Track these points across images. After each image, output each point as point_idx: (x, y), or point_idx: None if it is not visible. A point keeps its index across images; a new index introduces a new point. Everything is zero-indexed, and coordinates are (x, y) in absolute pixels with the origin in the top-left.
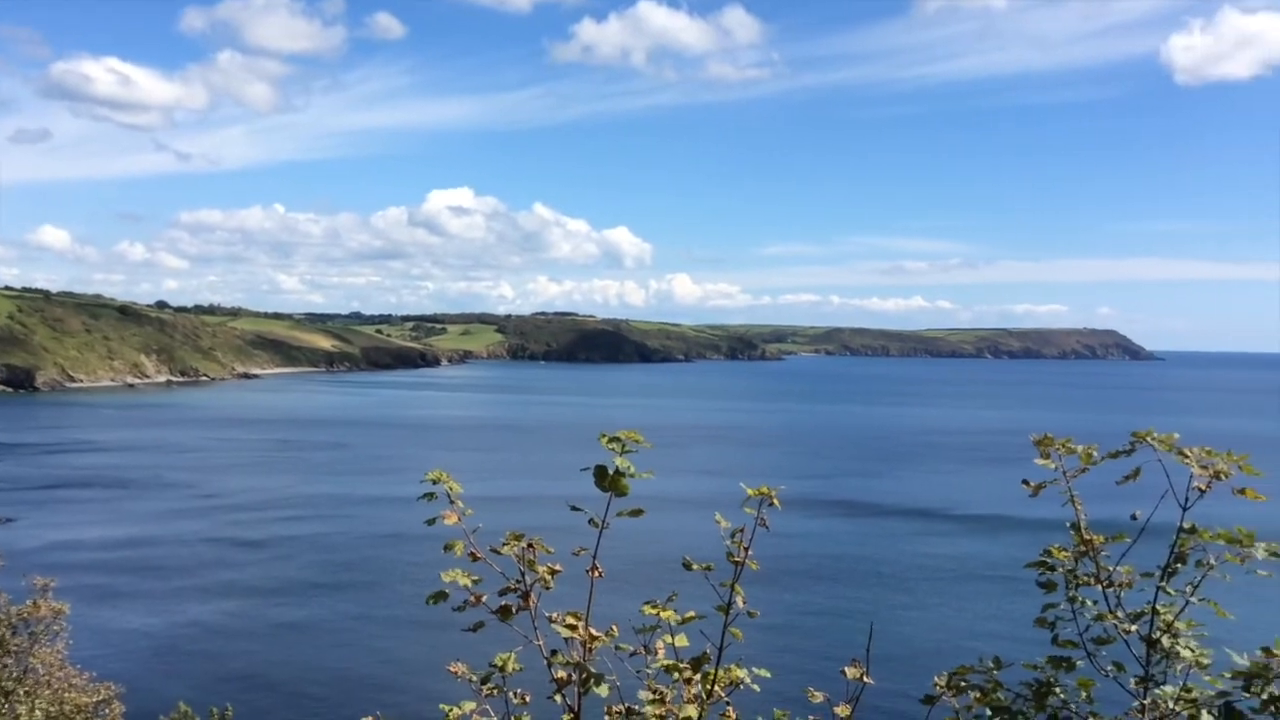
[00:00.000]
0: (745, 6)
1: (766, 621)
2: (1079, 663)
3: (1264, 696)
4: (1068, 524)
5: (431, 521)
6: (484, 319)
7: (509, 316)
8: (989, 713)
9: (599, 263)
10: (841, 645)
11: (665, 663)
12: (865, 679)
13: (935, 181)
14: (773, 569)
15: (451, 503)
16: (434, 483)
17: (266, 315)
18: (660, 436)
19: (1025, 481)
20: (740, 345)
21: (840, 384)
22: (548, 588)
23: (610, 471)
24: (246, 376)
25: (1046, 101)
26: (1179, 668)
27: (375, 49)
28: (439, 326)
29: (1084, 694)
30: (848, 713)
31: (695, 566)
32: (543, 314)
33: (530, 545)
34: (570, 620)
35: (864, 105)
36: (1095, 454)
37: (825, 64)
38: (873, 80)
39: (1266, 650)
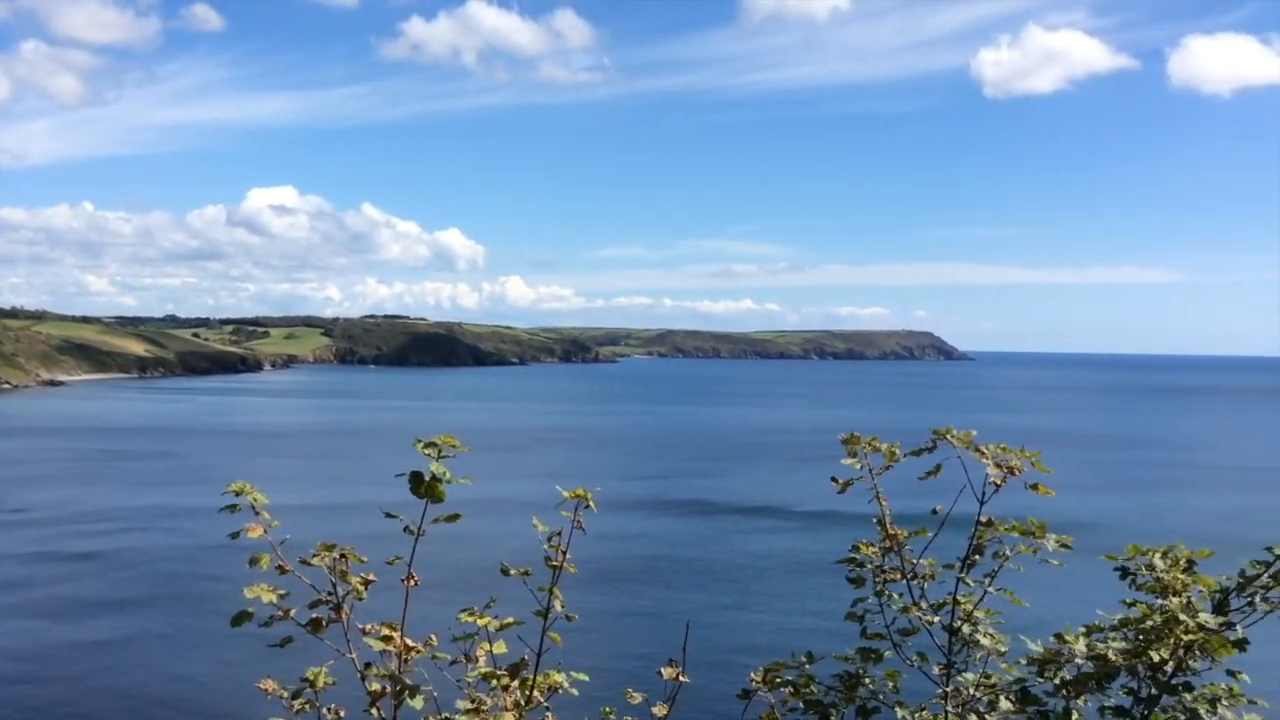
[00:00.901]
0: (576, 10)
1: (592, 625)
2: (886, 654)
3: (1056, 680)
4: (875, 520)
5: (235, 535)
6: (309, 322)
7: (336, 319)
8: (803, 707)
9: (430, 265)
10: (665, 645)
11: (483, 670)
12: (681, 678)
13: (763, 187)
14: (603, 571)
15: (256, 514)
16: (237, 494)
17: (74, 319)
18: (493, 440)
19: (834, 479)
20: (574, 348)
21: (674, 386)
22: (361, 599)
23: (426, 477)
24: (53, 384)
25: (866, 111)
26: (978, 655)
27: (192, 41)
28: (261, 330)
29: (891, 684)
30: (665, 712)
31: (513, 572)
32: (372, 317)
33: (343, 555)
34: (385, 631)
35: (694, 111)
36: (898, 452)
37: (656, 70)
38: (702, 87)
39: (1059, 637)
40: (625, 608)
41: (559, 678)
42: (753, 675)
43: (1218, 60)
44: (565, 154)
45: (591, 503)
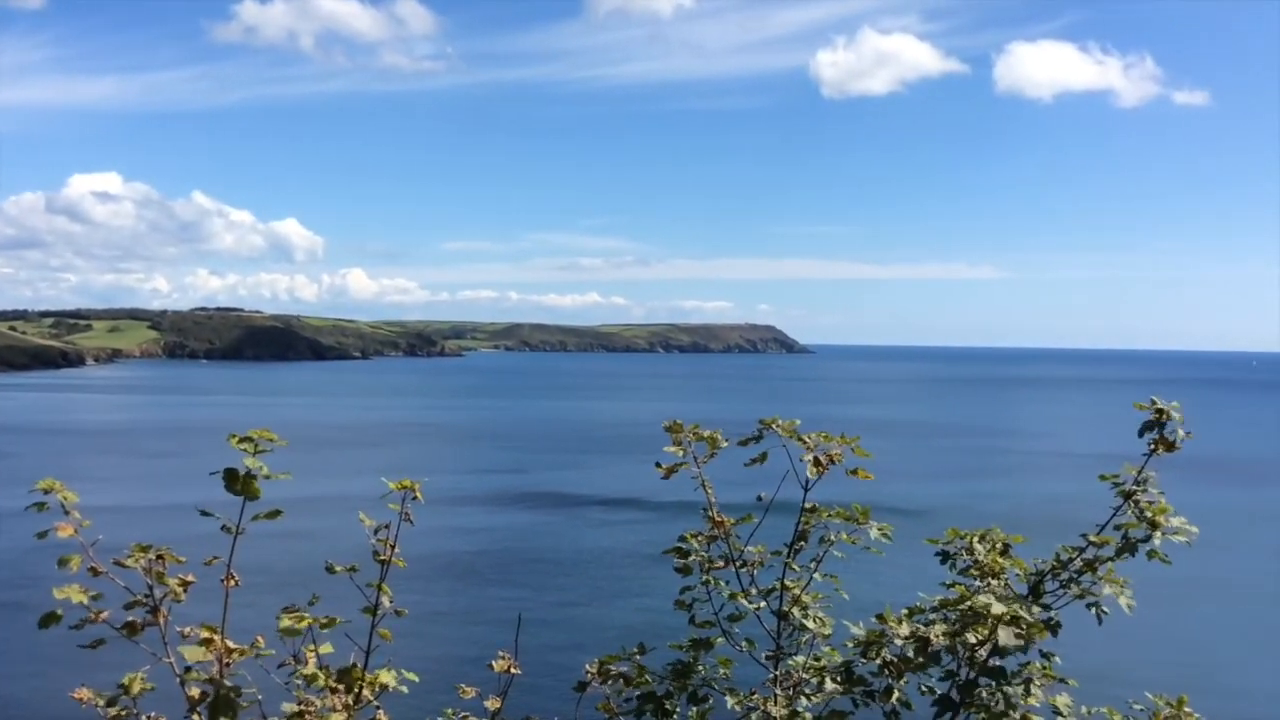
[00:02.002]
0: None
1: (429, 620)
2: (718, 641)
3: (879, 661)
4: (701, 508)
5: (43, 535)
6: (136, 315)
7: (165, 312)
8: (637, 697)
9: (266, 255)
10: (502, 640)
11: (309, 671)
12: (514, 670)
13: (610, 181)
14: (446, 566)
15: (66, 513)
16: (45, 492)
17: None
18: (333, 436)
19: (658, 464)
20: (419, 342)
21: (521, 379)
22: (179, 600)
23: (241, 474)
24: None
25: (710, 108)
26: (805, 639)
27: (9, 20)
28: (83, 323)
29: (723, 671)
30: (498, 705)
31: (338, 569)
32: (203, 310)
33: (159, 556)
34: (205, 634)
35: (541, 104)
36: (720, 439)
37: (501, 61)
38: (548, 80)
39: (880, 619)
40: (465, 602)
41: (389, 676)
42: (587, 667)
43: (1040, 66)
44: (408, 144)
45: (418, 494)
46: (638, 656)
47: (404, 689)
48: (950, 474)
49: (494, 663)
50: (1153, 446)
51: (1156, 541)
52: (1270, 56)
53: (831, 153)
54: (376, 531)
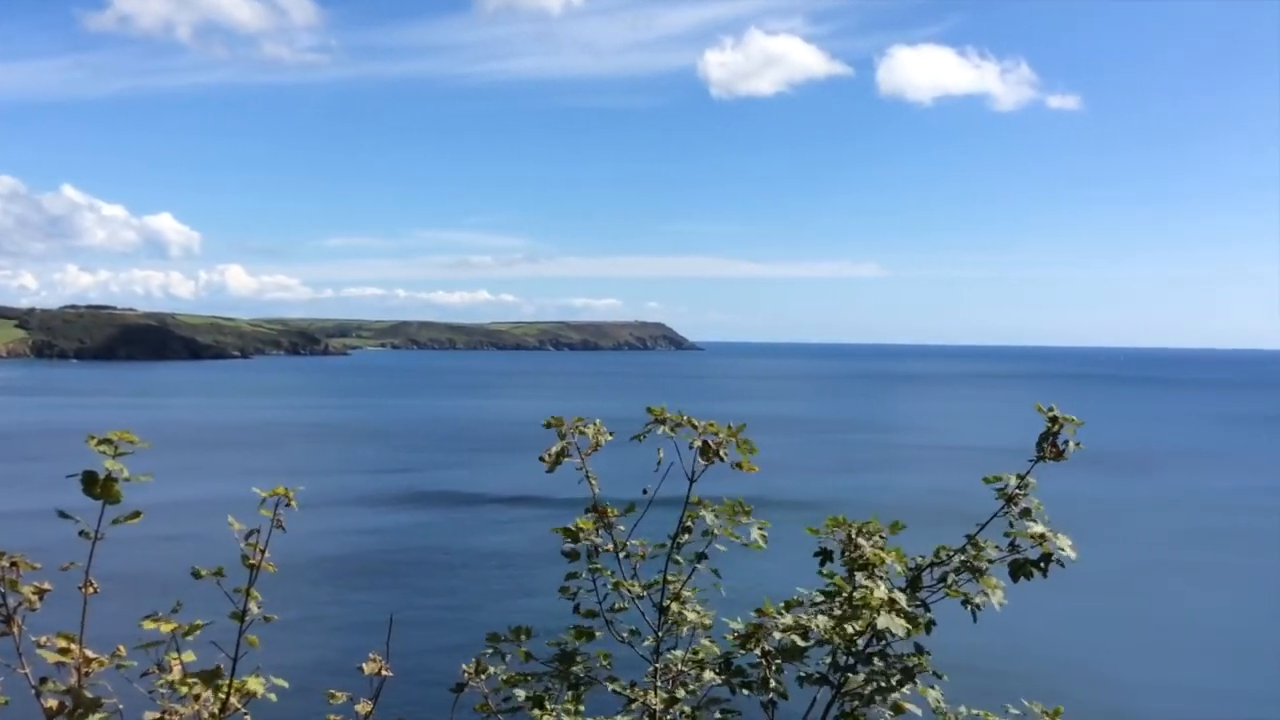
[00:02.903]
0: None
1: (303, 625)
2: (599, 633)
3: (758, 652)
4: (587, 507)
5: None
6: (2, 313)
7: (32, 310)
8: (516, 693)
9: (139, 251)
10: (378, 643)
11: (173, 679)
12: (385, 672)
13: (499, 178)
14: (326, 569)
15: None
16: None
17: None
18: (209, 437)
19: (541, 457)
20: (302, 340)
21: (409, 378)
22: (34, 609)
23: (101, 477)
24: None
25: (600, 106)
26: (685, 630)
27: None
28: None
29: (604, 661)
30: (369, 709)
31: (204, 573)
32: (74, 307)
33: (13, 564)
34: (62, 643)
35: (428, 99)
36: (603, 431)
37: (387, 54)
38: (436, 74)
39: (760, 611)
40: (346, 606)
41: (256, 683)
42: (465, 666)
43: (920, 70)
44: (290, 137)
45: (292, 501)
46: (522, 639)
47: (272, 696)
48: (837, 468)
49: (364, 665)
50: (1042, 454)
51: (1045, 570)
52: (1137, 63)
53: (720, 152)
54: (247, 537)
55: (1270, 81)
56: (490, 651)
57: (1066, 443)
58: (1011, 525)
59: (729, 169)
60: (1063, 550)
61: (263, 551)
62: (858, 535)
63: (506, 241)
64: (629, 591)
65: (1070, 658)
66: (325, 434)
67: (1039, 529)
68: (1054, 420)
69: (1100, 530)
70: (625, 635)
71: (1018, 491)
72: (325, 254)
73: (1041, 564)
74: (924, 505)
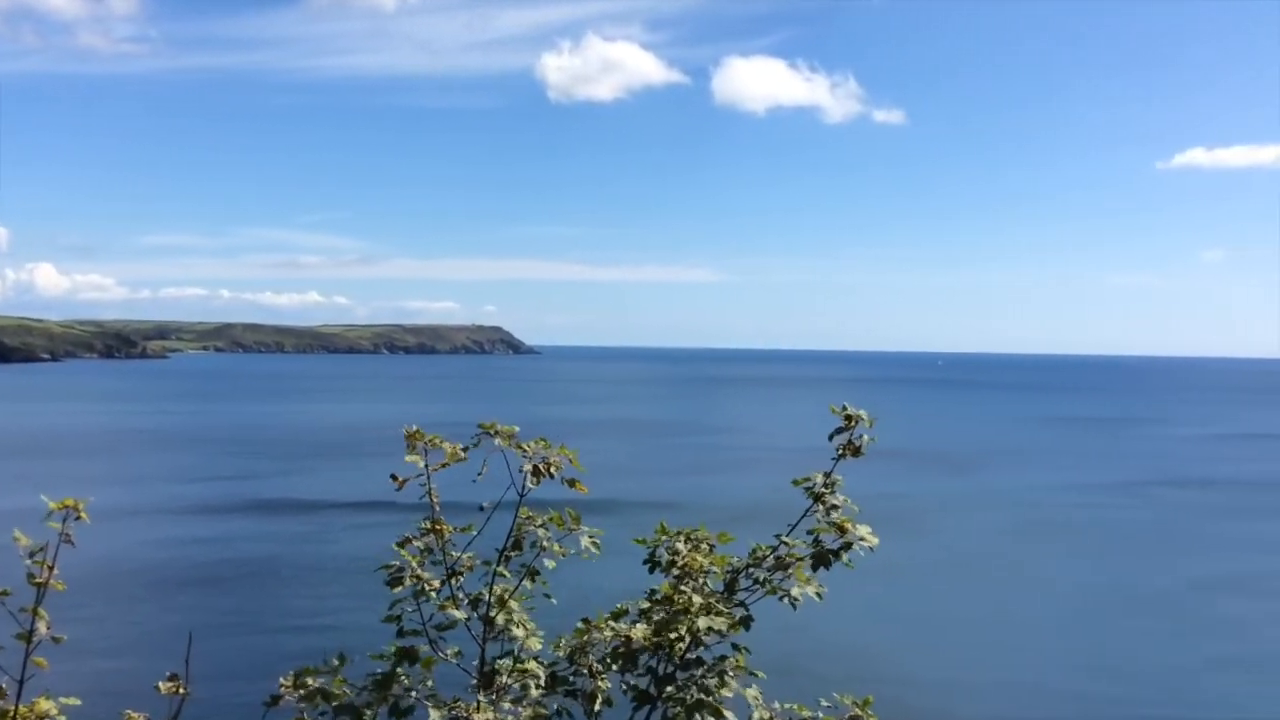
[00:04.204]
0: None
1: (113, 643)
2: (423, 649)
3: (584, 664)
4: (423, 520)
5: None
6: None
7: None
8: (332, 711)
9: None
10: (195, 657)
11: None
12: (183, 691)
13: (331, 176)
14: (144, 583)
15: None
16: None
17: None
18: (7, 445)
19: (393, 476)
20: (118, 343)
21: (236, 382)
22: None
23: None
24: None
25: (438, 105)
26: (513, 646)
27: None
28: None
29: (426, 680)
30: None
31: None
32: None
33: None
34: None
35: (255, 93)
36: (460, 451)
37: (211, 46)
38: (264, 69)
39: (586, 622)
40: (146, 623)
41: (47, 705)
42: (282, 681)
43: (754, 81)
44: (105, 130)
45: (82, 513)
46: (336, 663)
47: (63, 718)
48: (674, 471)
49: (161, 684)
50: (841, 451)
51: (845, 558)
52: (959, 79)
53: (558, 155)
54: (33, 554)
55: (1079, 95)
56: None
57: (862, 438)
58: (819, 522)
59: (567, 173)
60: (862, 539)
61: (50, 568)
62: (685, 542)
63: (338, 242)
64: (455, 610)
65: (887, 654)
66: (139, 441)
67: (839, 518)
68: (849, 418)
69: (922, 527)
70: (449, 654)
71: (824, 490)
72: (143, 252)
73: (841, 552)
74: (756, 506)
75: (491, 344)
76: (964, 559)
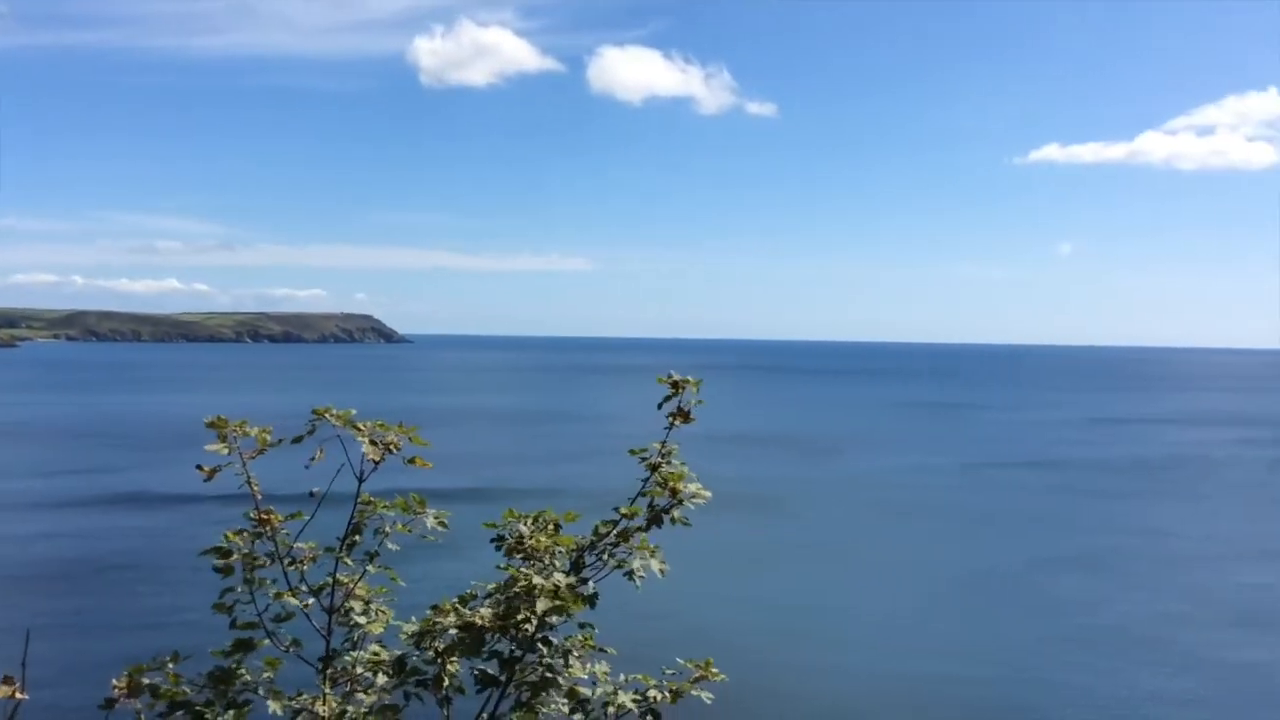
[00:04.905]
0: None
1: None
2: (262, 643)
3: (431, 650)
4: (249, 511)
5: None
6: None
7: None
8: (168, 709)
9: None
10: (38, 659)
11: None
12: (19, 695)
13: (191, 158)
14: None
15: None
16: None
17: None
18: None
19: (199, 467)
20: None
21: (88, 372)
22: None
23: None
24: None
25: (305, 87)
26: (359, 634)
27: None
28: None
29: (269, 673)
30: None
31: None
32: None
33: None
34: None
35: (111, 71)
36: (270, 436)
37: (65, 23)
38: (124, 47)
39: (435, 608)
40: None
41: None
42: (115, 682)
43: (629, 70)
44: None
45: None
46: (171, 665)
47: None
48: (542, 459)
49: None
50: (672, 419)
51: (676, 513)
52: (827, 76)
53: (430, 141)
54: None
55: (941, 90)
56: (148, 665)
57: (690, 404)
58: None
59: (440, 159)
60: (694, 496)
61: None
62: (531, 524)
63: (199, 227)
64: (294, 600)
65: (744, 636)
66: None
67: (667, 473)
68: (675, 385)
69: (781, 510)
70: (288, 645)
71: (660, 459)
72: None
73: (673, 510)
74: (621, 490)
75: (362, 332)
76: (819, 541)
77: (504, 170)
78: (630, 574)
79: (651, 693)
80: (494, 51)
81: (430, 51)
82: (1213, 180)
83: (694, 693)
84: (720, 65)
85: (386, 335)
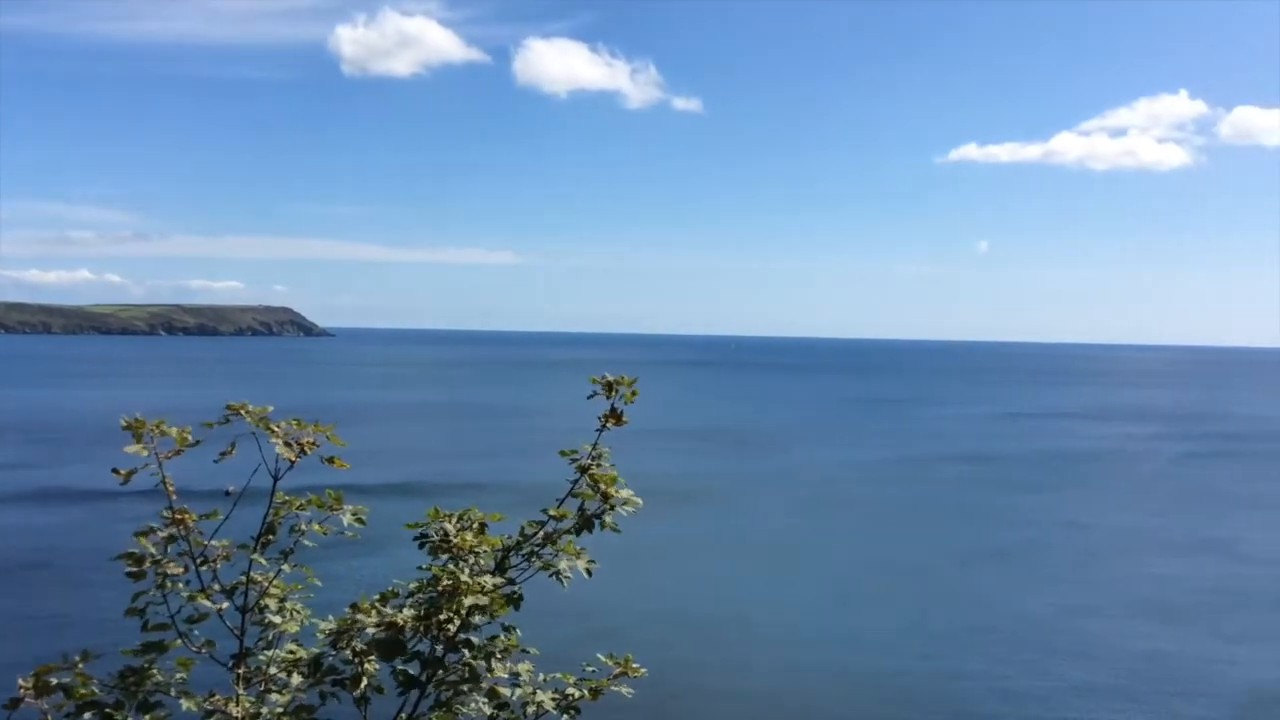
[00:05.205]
0: None
1: None
2: (175, 644)
3: (349, 650)
4: (163, 511)
5: None
6: None
7: None
8: (77, 710)
9: None
10: None
11: None
12: None
13: (106, 146)
14: None
15: None
16: None
17: None
18: None
19: (115, 470)
20: None
21: None
22: None
23: None
24: None
25: (224, 75)
26: (273, 634)
27: None
28: None
29: (181, 674)
30: None
31: None
32: None
33: None
34: None
35: (26, 57)
36: (189, 436)
37: None
38: (37, 32)
39: (354, 607)
40: None
41: None
42: (22, 681)
43: (555, 63)
44: None
45: None
46: (81, 665)
47: None
48: (467, 454)
49: None
50: (604, 420)
51: (609, 518)
52: (754, 74)
53: (353, 132)
54: None
55: (866, 90)
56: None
57: (622, 404)
58: (584, 489)
59: (362, 149)
60: (625, 503)
61: None
62: (455, 523)
63: (112, 216)
64: (206, 601)
65: (669, 631)
66: None
67: (598, 474)
68: (609, 387)
69: (716, 505)
70: (200, 645)
71: (590, 461)
72: None
73: (604, 515)
74: (549, 488)
75: (280, 325)
76: (749, 536)
77: (429, 162)
78: (557, 574)
79: (570, 690)
80: (418, 41)
81: (353, 40)
82: (1124, 181)
83: (614, 689)
84: (647, 60)
85: (306, 328)
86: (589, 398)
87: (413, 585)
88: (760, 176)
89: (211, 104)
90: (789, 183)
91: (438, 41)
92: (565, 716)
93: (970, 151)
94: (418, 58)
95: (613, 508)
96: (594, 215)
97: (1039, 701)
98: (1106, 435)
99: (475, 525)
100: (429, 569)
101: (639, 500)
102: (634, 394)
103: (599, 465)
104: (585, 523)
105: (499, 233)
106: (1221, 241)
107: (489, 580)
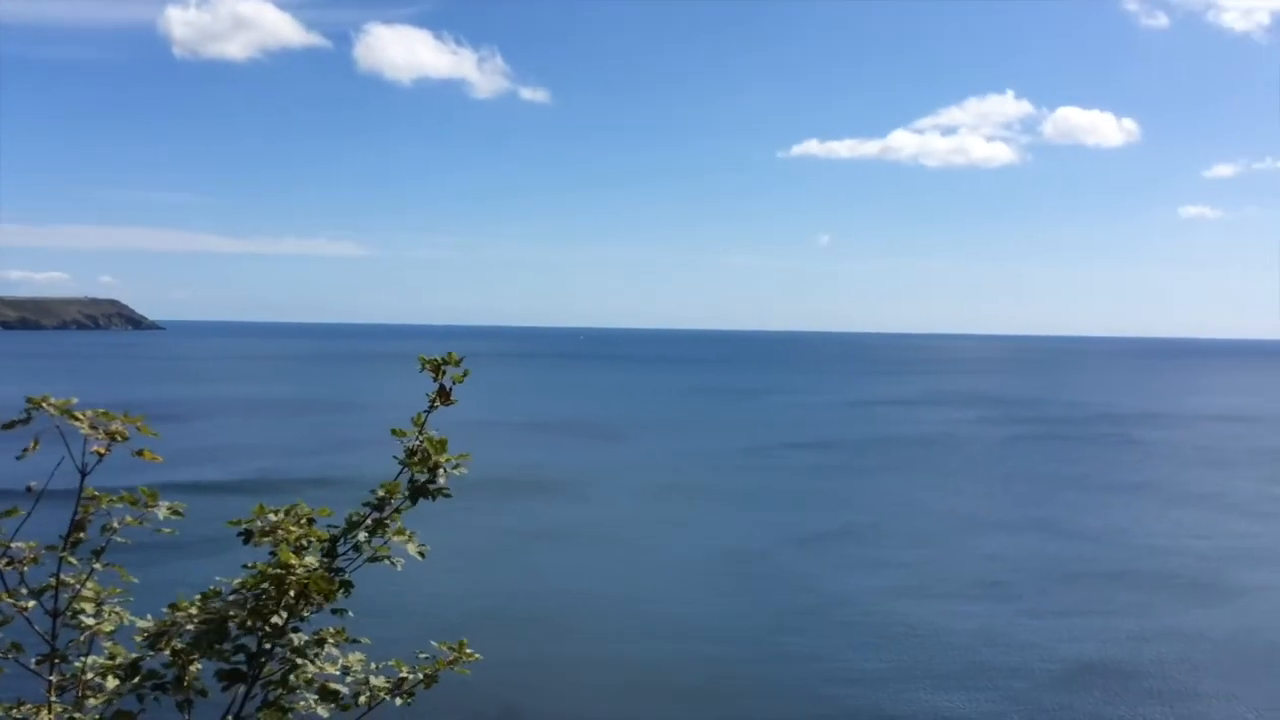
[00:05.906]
0: None
1: None
2: None
3: (168, 651)
4: None
5: None
6: None
7: None
8: None
9: None
10: None
11: None
12: None
13: None
14: None
15: None
16: None
17: None
18: None
19: None
20: None
21: None
22: None
23: None
24: None
25: (43, 56)
26: (84, 637)
27: None
28: None
29: None
30: None
31: None
32: None
33: None
34: None
35: None
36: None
37: None
38: None
39: (173, 606)
40: None
41: None
42: None
43: (399, 50)
44: None
45: None
46: None
47: None
48: (306, 450)
49: None
50: (433, 400)
51: (442, 479)
52: (600, 65)
53: (183, 116)
54: None
55: (710, 83)
56: None
57: (450, 385)
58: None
59: (195, 135)
60: (456, 467)
61: None
62: (283, 517)
63: None
64: (12, 603)
65: (503, 619)
66: None
67: (423, 438)
68: (437, 368)
69: (568, 495)
70: (6, 651)
71: (419, 441)
72: None
73: (432, 481)
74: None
75: (108, 319)
76: (592, 525)
77: (268, 150)
78: (389, 559)
79: (404, 673)
80: (253, 24)
81: (184, 22)
82: (956, 177)
83: (452, 670)
84: (493, 49)
85: (135, 321)
86: (419, 371)
87: (236, 582)
88: (608, 167)
89: (32, 85)
90: (637, 174)
91: (275, 25)
92: (400, 700)
93: (812, 147)
94: (254, 41)
95: (443, 472)
96: (441, 205)
97: (874, 684)
98: (941, 420)
99: (303, 520)
100: (255, 566)
101: (469, 455)
102: (465, 373)
103: (426, 437)
104: (419, 491)
105: (341, 224)
106: (1051, 235)
107: (314, 560)
